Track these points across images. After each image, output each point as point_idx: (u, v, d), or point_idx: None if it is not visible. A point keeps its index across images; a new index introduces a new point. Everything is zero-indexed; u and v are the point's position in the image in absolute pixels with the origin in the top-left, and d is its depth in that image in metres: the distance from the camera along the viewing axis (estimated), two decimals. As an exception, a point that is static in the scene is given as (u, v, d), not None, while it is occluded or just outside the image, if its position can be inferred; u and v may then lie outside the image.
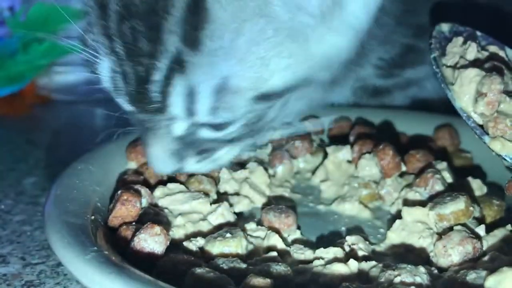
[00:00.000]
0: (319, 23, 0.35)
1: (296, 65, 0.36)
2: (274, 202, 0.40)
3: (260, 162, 0.45)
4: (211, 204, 0.38)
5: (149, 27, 0.33)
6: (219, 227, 0.36)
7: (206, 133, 0.37)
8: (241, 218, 0.39)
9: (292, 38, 0.35)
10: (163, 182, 0.41)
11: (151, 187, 0.41)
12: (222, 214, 0.37)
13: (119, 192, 0.36)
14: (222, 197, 0.41)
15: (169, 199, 0.38)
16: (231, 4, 0.33)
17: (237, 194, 0.42)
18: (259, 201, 0.41)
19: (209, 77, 0.34)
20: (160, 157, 0.37)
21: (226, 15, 0.33)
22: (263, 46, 0.34)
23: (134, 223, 0.35)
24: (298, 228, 0.38)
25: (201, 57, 0.33)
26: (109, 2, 0.34)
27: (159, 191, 0.39)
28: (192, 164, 0.39)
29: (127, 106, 0.37)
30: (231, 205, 0.39)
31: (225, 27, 0.33)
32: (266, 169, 0.44)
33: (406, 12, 0.47)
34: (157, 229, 0.32)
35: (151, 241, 0.32)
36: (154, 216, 0.36)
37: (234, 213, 0.39)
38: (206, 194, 0.39)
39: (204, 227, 0.37)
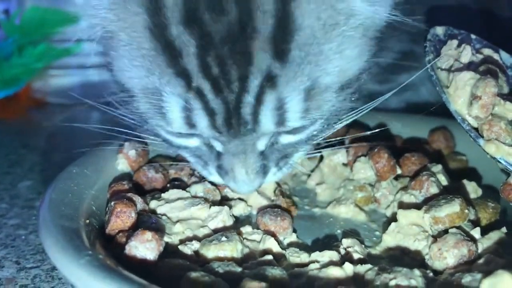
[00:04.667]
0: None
1: (363, 51, 0.36)
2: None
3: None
4: (210, 207, 0.38)
5: (238, 51, 0.31)
6: (215, 231, 0.36)
7: (287, 139, 0.37)
8: (237, 221, 0.39)
9: (357, 28, 0.34)
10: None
11: (142, 190, 0.41)
12: (222, 220, 0.37)
13: (112, 203, 0.35)
14: (223, 201, 0.41)
15: (168, 206, 0.38)
16: (314, 11, 0.32)
17: (240, 198, 0.41)
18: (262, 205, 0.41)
19: (299, 84, 0.33)
20: (247, 180, 0.36)
21: (311, 20, 0.32)
22: (341, 41, 0.33)
23: (131, 230, 0.34)
24: (294, 231, 0.38)
25: (290, 67, 0.32)
26: (180, 38, 0.31)
27: (154, 202, 0.38)
28: (272, 176, 0.38)
29: (203, 140, 0.36)
30: (230, 207, 0.39)
31: (312, 33, 0.32)
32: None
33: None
34: (148, 234, 0.32)
35: (142, 248, 0.31)
36: (152, 224, 0.36)
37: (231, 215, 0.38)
38: (206, 200, 0.39)
39: (203, 233, 0.36)
